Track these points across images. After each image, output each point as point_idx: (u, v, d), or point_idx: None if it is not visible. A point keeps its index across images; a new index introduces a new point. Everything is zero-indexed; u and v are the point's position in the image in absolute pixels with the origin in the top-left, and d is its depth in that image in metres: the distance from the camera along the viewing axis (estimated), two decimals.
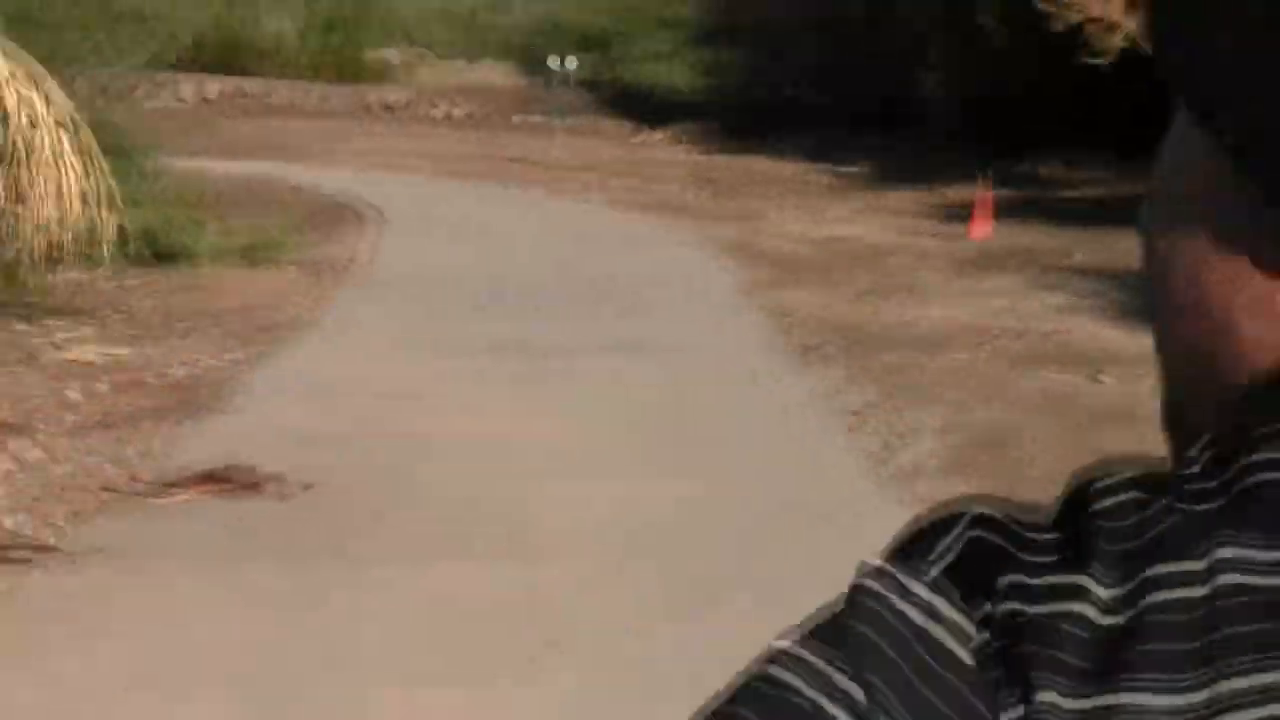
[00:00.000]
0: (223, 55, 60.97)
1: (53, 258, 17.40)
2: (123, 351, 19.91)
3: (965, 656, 1.18)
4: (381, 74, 67.89)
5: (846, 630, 1.18)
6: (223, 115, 53.20)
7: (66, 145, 13.96)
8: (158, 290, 24.31)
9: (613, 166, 46.62)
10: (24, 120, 13.87)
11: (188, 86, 56.84)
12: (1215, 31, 1.14)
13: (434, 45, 76.38)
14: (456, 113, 59.03)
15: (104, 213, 14.33)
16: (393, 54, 72.04)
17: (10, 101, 13.85)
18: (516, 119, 57.74)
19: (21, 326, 19.78)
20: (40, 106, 13.84)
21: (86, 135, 14.14)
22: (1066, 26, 38.42)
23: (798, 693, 1.18)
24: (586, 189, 42.28)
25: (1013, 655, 1.15)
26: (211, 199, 30.05)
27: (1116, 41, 38.67)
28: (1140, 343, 23.56)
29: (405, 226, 34.29)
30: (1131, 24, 38.80)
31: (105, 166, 14.39)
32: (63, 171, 13.93)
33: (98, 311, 21.79)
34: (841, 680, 1.17)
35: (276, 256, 28.25)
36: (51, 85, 14.20)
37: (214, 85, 58.57)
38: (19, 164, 13.99)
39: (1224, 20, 1.13)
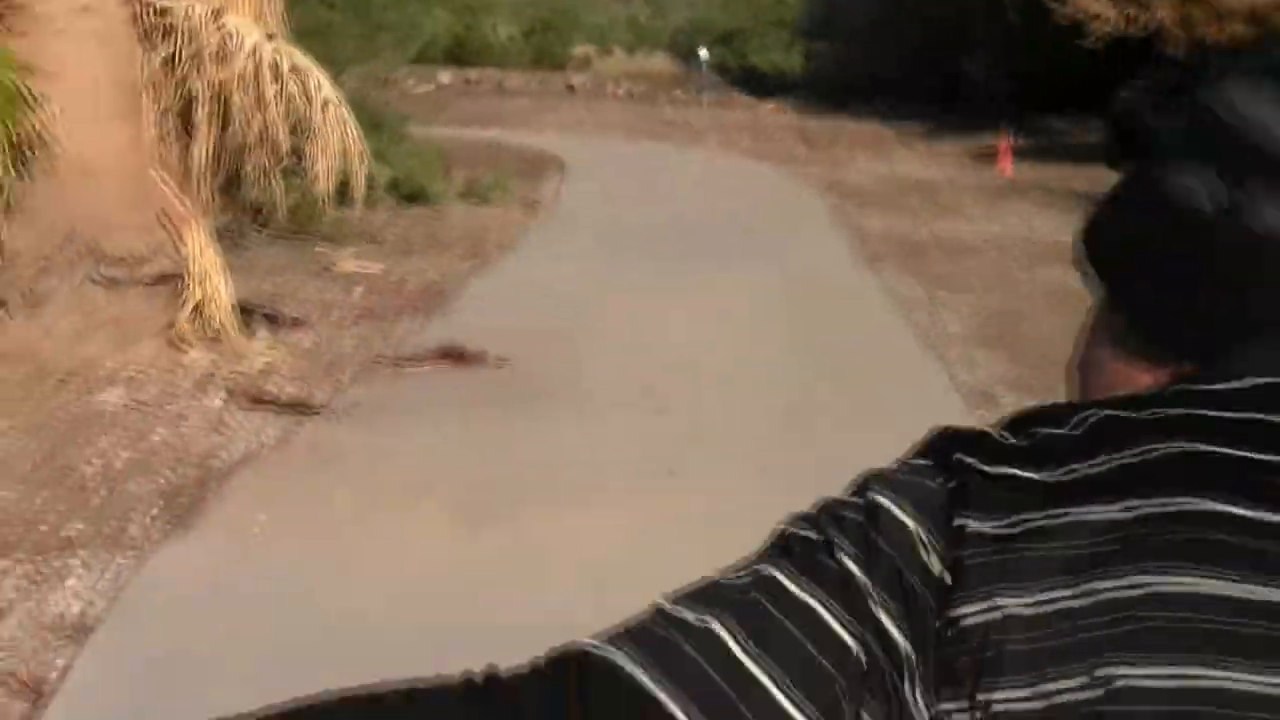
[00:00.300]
0: (461, 53, 61.05)
1: (325, 200, 17.72)
2: (374, 266, 20.26)
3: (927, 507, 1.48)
4: (576, 64, 67.95)
5: (845, 520, 1.45)
6: (462, 97, 53.03)
7: (331, 116, 14.20)
8: (401, 223, 24.54)
9: (739, 128, 46.36)
10: (301, 100, 14.17)
11: (440, 75, 57.00)
12: (1127, 260, 1.60)
13: (614, 42, 76.67)
14: (624, 92, 58.72)
15: (358, 167, 14.43)
16: (585, 49, 72.31)
17: (293, 88, 14.12)
18: (671, 95, 57.37)
19: (305, 249, 20.15)
20: (313, 90, 14.08)
21: (343, 110, 14.33)
22: (1069, 19, 38.27)
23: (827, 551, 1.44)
24: (720, 144, 42.22)
25: (957, 500, 1.44)
26: (446, 155, 30.13)
27: (1105, 30, 38.43)
28: None
29: (586, 172, 34.33)
30: (1113, 17, 38.81)
31: (359, 134, 14.51)
32: (328, 137, 14.19)
33: (359, 238, 22.12)
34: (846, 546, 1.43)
35: (491, 196, 28.47)
36: (320, 76, 14.45)
37: (454, 75, 58.52)
38: (298, 127, 14.22)
39: (1134, 259, 1.59)
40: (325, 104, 14.12)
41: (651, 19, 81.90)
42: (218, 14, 14.08)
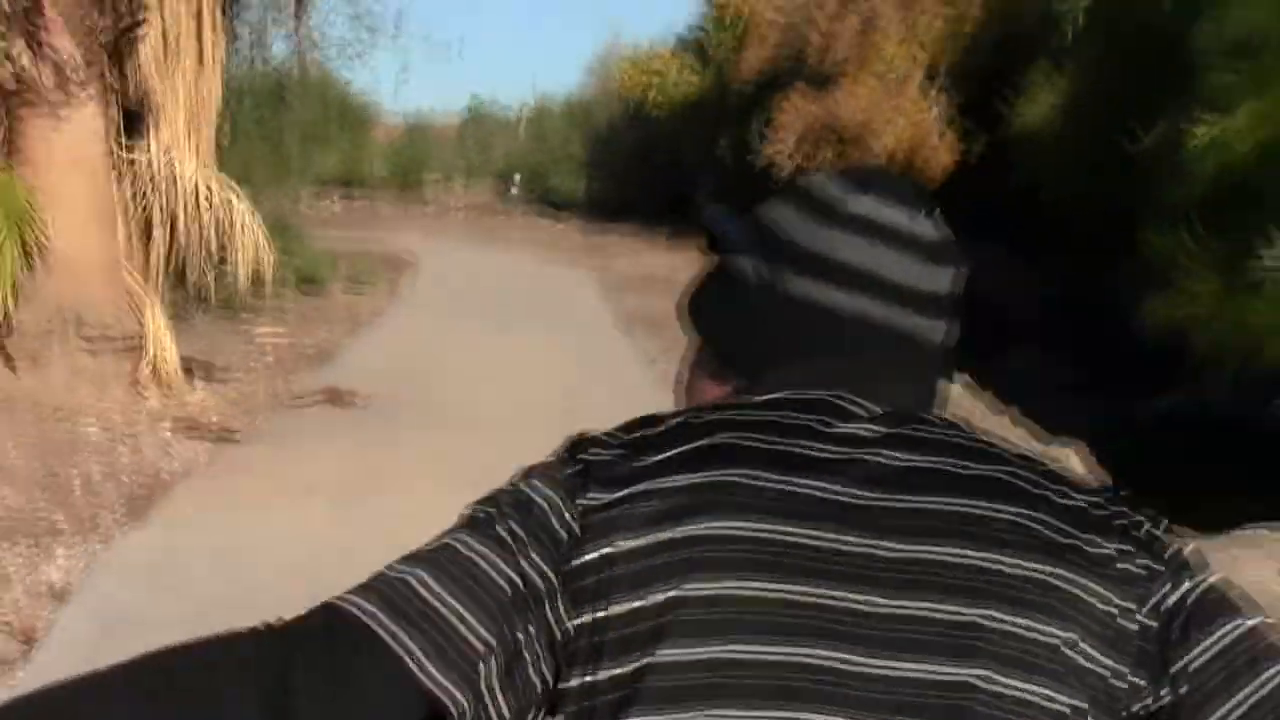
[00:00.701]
0: (343, 182, 60.63)
1: (243, 288, 17.65)
2: (281, 335, 20.12)
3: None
4: (428, 191, 67.94)
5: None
6: (345, 214, 52.86)
7: (246, 227, 14.07)
8: (301, 303, 24.40)
9: (537, 236, 46.61)
10: (225, 216, 14.06)
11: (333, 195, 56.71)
12: (710, 314, 1.81)
13: (454, 175, 76.69)
14: (462, 211, 58.82)
15: (267, 264, 14.36)
16: (435, 179, 72.34)
17: (220, 208, 13.98)
18: (491, 213, 57.46)
19: (233, 322, 20.00)
20: (234, 210, 13.96)
21: (255, 222, 14.24)
22: (764, 162, 38.61)
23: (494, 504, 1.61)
24: (525, 247, 42.26)
25: (585, 477, 1.57)
26: (333, 254, 30.01)
27: (786, 169, 38.74)
28: None
29: (435, 265, 34.38)
30: (789, 162, 39.29)
31: (268, 240, 14.45)
32: (243, 243, 14.07)
33: (271, 314, 21.95)
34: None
35: (366, 282, 28.40)
36: (238, 199, 14.37)
37: (337, 198, 58.22)
38: (224, 235, 14.10)
39: (715, 313, 1.80)
40: (242, 219, 14.00)
41: (471, 158, 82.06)
42: (167, 153, 13.95)
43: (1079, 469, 15.20)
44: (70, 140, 13.17)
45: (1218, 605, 1.54)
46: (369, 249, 36.87)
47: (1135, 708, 1.46)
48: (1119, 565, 1.50)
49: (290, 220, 27.33)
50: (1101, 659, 1.45)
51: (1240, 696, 1.46)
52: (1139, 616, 1.48)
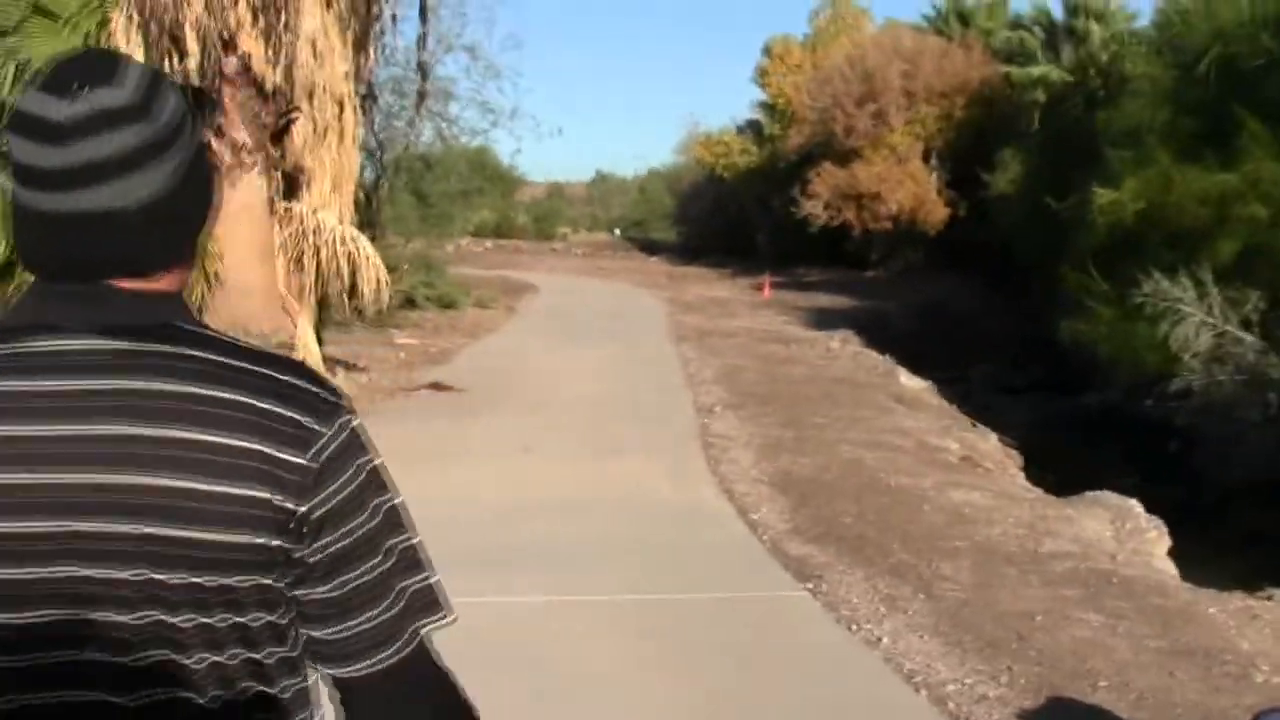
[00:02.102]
0: (496, 230, 61.09)
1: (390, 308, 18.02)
2: (416, 341, 20.46)
3: None
4: (559, 237, 68.25)
5: None
6: (494, 253, 53.02)
7: (371, 264, 14.32)
8: (437, 319, 24.70)
9: (634, 270, 46.50)
10: (356, 253, 14.35)
11: (485, 243, 56.99)
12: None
13: (580, 225, 77.18)
14: (581, 252, 58.77)
15: (385, 289, 14.62)
16: (564, 229, 72.80)
17: (353, 250, 14.29)
18: (603, 254, 57.53)
19: (380, 331, 20.31)
20: (361, 252, 14.27)
21: (377, 261, 14.52)
22: (804, 215, 38.64)
23: None
24: (623, 278, 42.22)
25: None
26: (469, 281, 30.30)
27: (819, 222, 38.69)
28: (810, 334, 24.31)
29: (547, 292, 34.54)
30: (823, 216, 39.35)
31: (386, 274, 14.71)
32: (369, 275, 14.34)
33: (410, 326, 22.31)
34: None
35: (492, 304, 28.69)
36: (366, 244, 14.66)
37: (493, 242, 58.47)
38: (355, 270, 14.38)
39: None
40: (367, 258, 14.33)
41: (595, 213, 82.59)
42: (315, 211, 14.34)
43: (996, 449, 15.37)
44: (242, 199, 13.61)
45: (352, 447, 1.48)
46: (505, 277, 37.27)
47: (294, 526, 1.40)
48: (285, 425, 1.40)
49: (433, 258, 27.74)
50: (256, 493, 1.37)
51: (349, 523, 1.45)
52: (301, 461, 1.40)
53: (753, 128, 50.42)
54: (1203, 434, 15.30)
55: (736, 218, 49.97)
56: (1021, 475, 13.88)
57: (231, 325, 13.15)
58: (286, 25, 13.35)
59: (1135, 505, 10.08)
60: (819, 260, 41.90)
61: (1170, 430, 15.76)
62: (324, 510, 1.43)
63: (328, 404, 1.46)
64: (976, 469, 12.15)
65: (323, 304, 15.34)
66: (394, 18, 15.04)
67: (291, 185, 14.58)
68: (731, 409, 14.14)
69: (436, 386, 15.37)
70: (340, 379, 14.92)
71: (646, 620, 6.61)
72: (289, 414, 1.41)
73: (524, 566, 7.48)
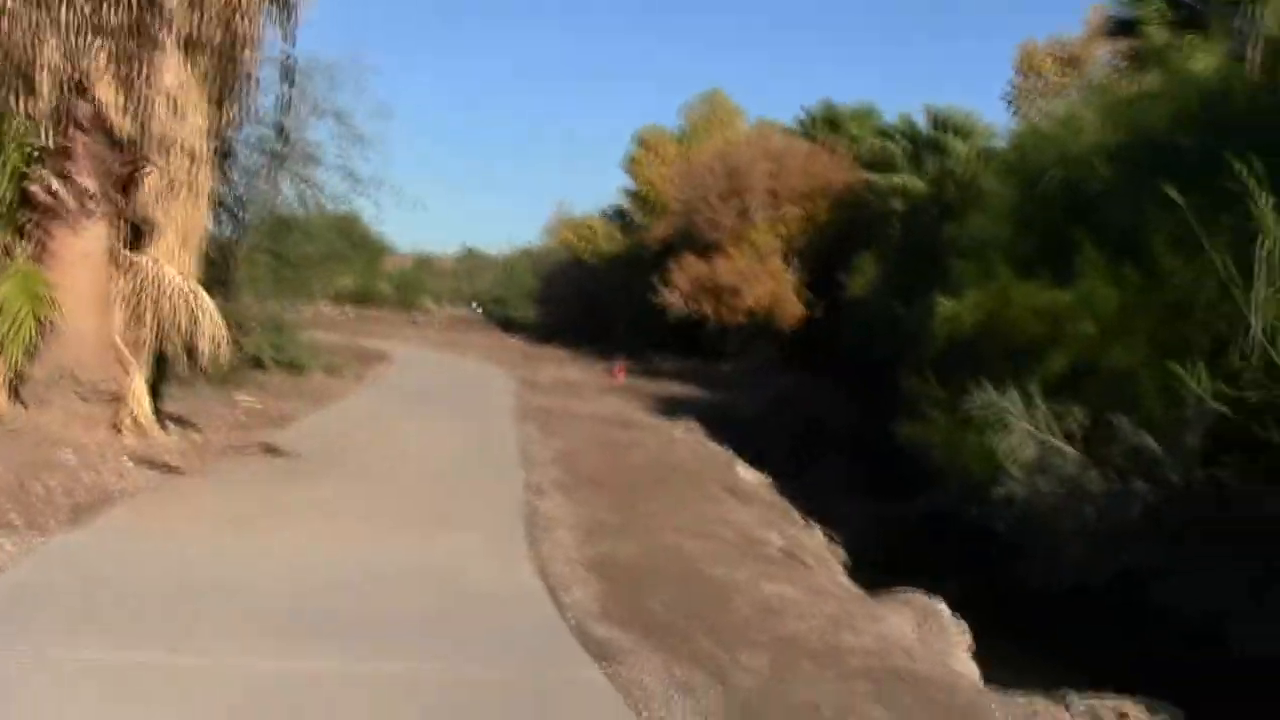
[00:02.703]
0: (358, 296, 60.73)
1: (237, 368, 17.86)
2: (257, 402, 20.23)
3: None
4: (419, 308, 68.00)
5: None
6: (351, 320, 52.66)
7: (209, 321, 14.18)
8: (283, 382, 24.42)
9: (490, 346, 46.69)
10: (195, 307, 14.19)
11: (346, 308, 56.61)
12: None
13: (442, 297, 77.14)
14: (440, 324, 58.63)
15: (224, 347, 14.47)
16: (425, 300, 72.66)
17: (193, 305, 14.16)
18: (462, 328, 57.45)
19: (222, 390, 20.06)
20: (200, 307, 14.13)
21: (217, 317, 14.38)
22: (662, 306, 39.01)
23: None
24: (477, 353, 42.34)
25: None
26: (320, 347, 30.03)
27: (678, 313, 39.04)
28: (655, 422, 24.47)
29: (400, 362, 34.43)
30: (682, 306, 39.81)
31: (224, 331, 14.53)
32: (208, 329, 14.20)
33: (254, 387, 22.05)
34: None
35: (341, 371, 28.48)
36: (206, 299, 14.54)
37: (351, 309, 58.13)
38: (193, 324, 14.23)
39: None
40: (207, 313, 14.23)
41: (461, 286, 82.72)
42: (158, 263, 14.22)
43: (820, 545, 15.61)
44: (84, 246, 13.52)
45: None
46: (360, 345, 36.99)
47: None
48: None
49: (285, 320, 27.50)
50: None
51: None
52: None
53: (619, 215, 51.03)
54: (1023, 542, 15.66)
55: (597, 302, 50.41)
56: (842, 572, 14.10)
57: (61, 372, 13.01)
58: (147, 79, 13.32)
59: (941, 605, 10.33)
60: (676, 349, 42.37)
61: (993, 537, 16.10)
62: None
63: None
64: (796, 564, 12.31)
65: (164, 359, 15.14)
66: (256, 79, 14.94)
67: (137, 236, 14.45)
68: (564, 490, 14.18)
69: (268, 449, 15.19)
70: (173, 436, 14.74)
71: (431, 694, 6.61)
72: None
73: (317, 635, 7.43)
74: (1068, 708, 9.91)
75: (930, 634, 9.65)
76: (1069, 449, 15.52)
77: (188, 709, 6.03)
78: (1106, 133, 18.19)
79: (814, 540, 15.37)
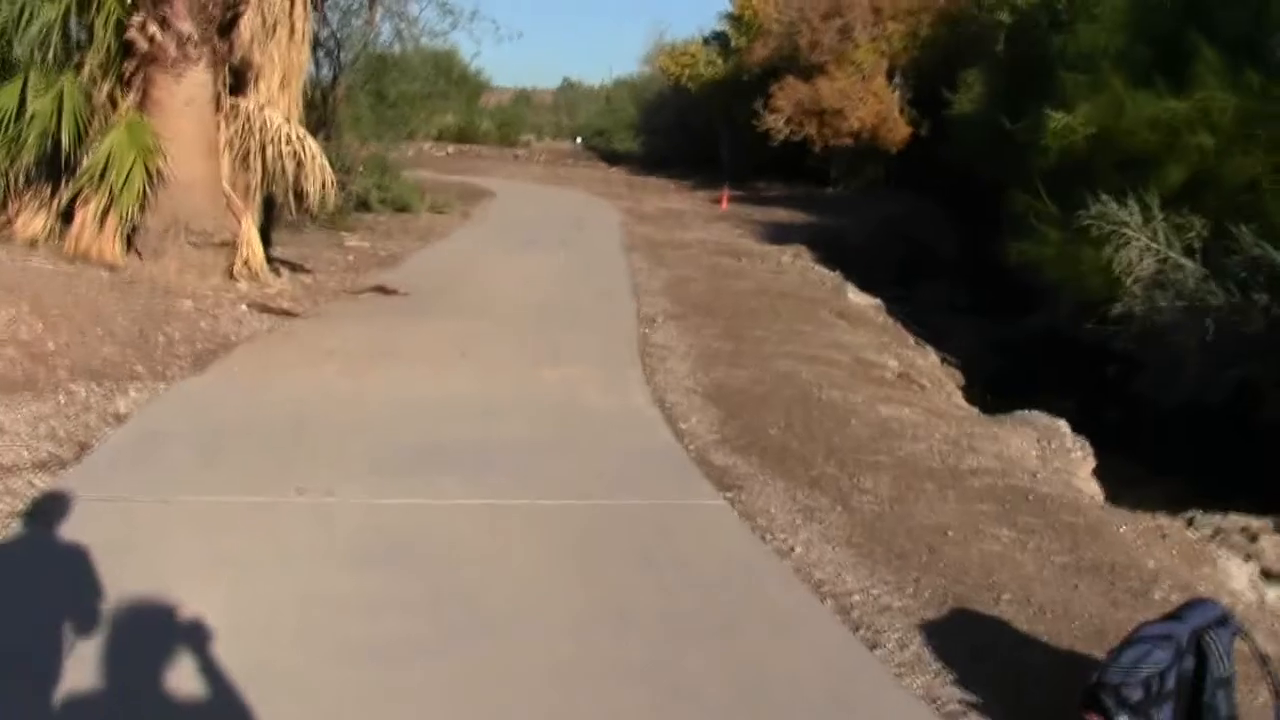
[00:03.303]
0: (462, 135, 60.67)
1: (344, 210, 17.92)
2: (366, 244, 20.33)
3: None
4: (521, 144, 67.73)
5: None
6: (454, 159, 52.65)
7: (317, 164, 14.17)
8: (390, 222, 24.53)
9: (594, 179, 46.40)
10: (303, 154, 14.18)
11: (448, 147, 56.56)
12: None
13: (543, 133, 76.75)
14: (542, 159, 58.32)
15: (328, 190, 14.47)
16: (527, 136, 72.31)
17: (299, 149, 14.15)
18: (565, 161, 57.13)
19: (331, 233, 20.18)
20: (307, 151, 14.11)
21: (323, 160, 14.35)
22: (764, 129, 38.43)
23: None
24: (582, 186, 42.18)
25: None
26: (426, 186, 30.08)
27: (780, 136, 38.51)
28: (763, 249, 24.26)
29: (504, 198, 34.43)
30: (784, 130, 39.15)
31: (331, 174, 14.52)
32: (315, 174, 14.21)
33: (362, 228, 22.15)
34: None
35: (446, 209, 28.52)
36: (312, 143, 14.50)
37: (455, 147, 58.05)
38: (300, 168, 14.22)
39: None
40: (312, 157, 14.20)
41: (561, 120, 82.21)
42: (262, 108, 14.19)
43: (934, 366, 15.47)
44: (187, 93, 13.47)
45: None
46: (464, 182, 37.02)
47: None
48: None
49: (389, 160, 27.49)
50: None
51: None
52: None
53: (719, 39, 50.02)
54: (1142, 359, 15.40)
55: (699, 130, 49.79)
56: (959, 394, 13.99)
57: (173, 221, 13.09)
58: None
59: (1062, 425, 10.17)
60: (780, 175, 41.87)
61: (1110, 355, 15.86)
62: None
63: None
64: (911, 386, 12.20)
65: (271, 204, 15.19)
66: None
67: (239, 81, 14.41)
68: (674, 319, 14.14)
69: (381, 289, 15.28)
70: (285, 280, 14.85)
71: (563, 524, 6.64)
72: None
73: (446, 468, 7.50)
74: (1192, 525, 9.81)
75: (1052, 454, 9.51)
76: (1188, 262, 15.15)
77: (323, 543, 6.11)
78: None
79: (928, 362, 15.22)
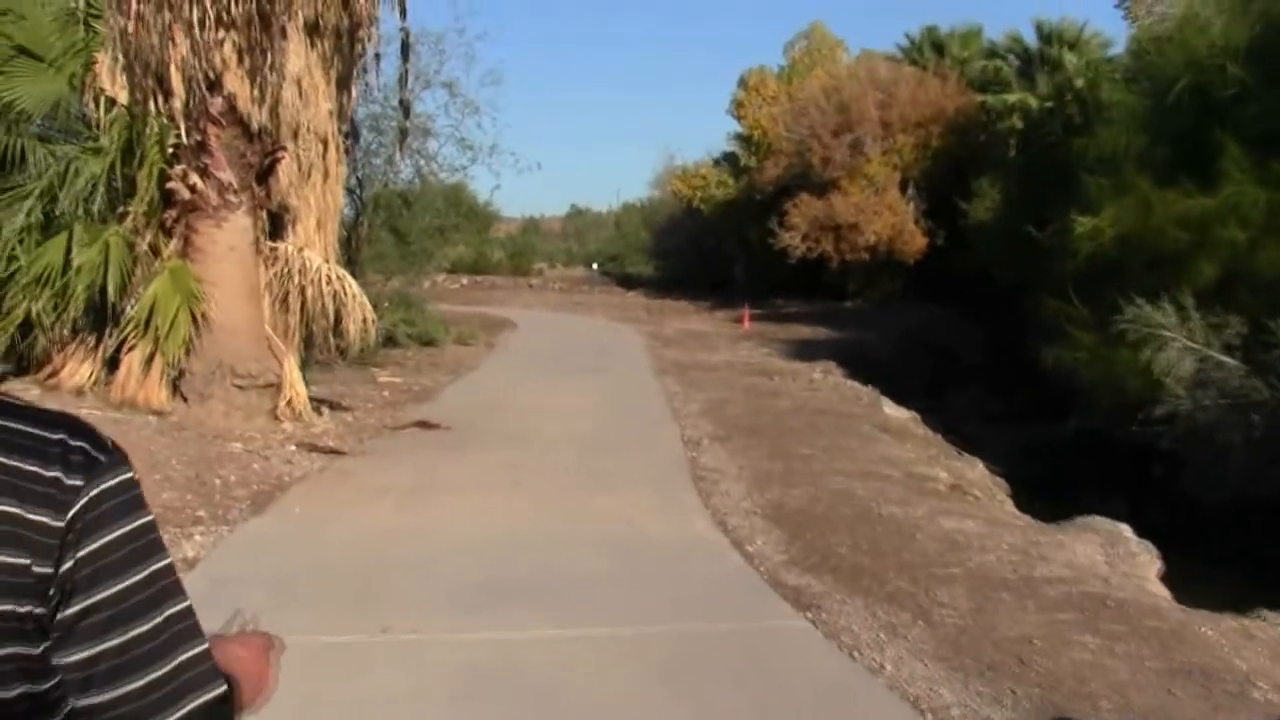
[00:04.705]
0: (471, 266, 60.99)
1: (372, 347, 18.10)
2: (398, 379, 20.44)
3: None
4: (534, 273, 68.09)
5: None
6: (470, 289, 52.99)
7: (356, 303, 14.34)
8: (418, 356, 24.65)
9: (612, 304, 46.67)
10: (342, 294, 14.36)
11: (461, 279, 56.87)
12: None
13: (555, 260, 77.31)
14: (557, 287, 58.64)
15: (369, 329, 14.65)
16: (540, 265, 72.88)
17: (338, 288, 14.32)
18: (580, 289, 57.45)
19: (361, 370, 20.29)
20: (347, 290, 14.28)
21: (363, 299, 14.56)
22: (782, 247, 38.71)
23: None
24: (601, 312, 42.42)
25: None
26: (448, 318, 30.28)
27: (798, 254, 38.74)
28: (792, 366, 24.40)
29: (525, 327, 34.63)
30: (801, 247, 39.53)
31: (371, 312, 14.71)
32: (355, 313, 14.37)
33: (391, 364, 22.29)
34: None
35: (471, 340, 28.72)
36: (351, 283, 14.70)
37: (468, 279, 58.36)
38: (340, 308, 14.39)
39: None
40: (353, 296, 14.40)
41: (571, 246, 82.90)
42: (301, 250, 14.42)
43: (983, 476, 15.48)
44: (228, 239, 13.71)
45: (117, 506, 1.39)
46: (483, 313, 37.28)
47: (53, 591, 1.32)
48: (43, 486, 1.33)
49: (413, 295, 27.78)
50: (14, 559, 1.30)
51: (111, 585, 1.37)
52: (54, 523, 1.32)
53: (729, 160, 50.70)
54: (1186, 457, 15.41)
55: (713, 250, 50.27)
56: (1010, 502, 14.00)
57: (218, 365, 13.25)
58: (271, 65, 13.44)
59: (1125, 529, 10.21)
60: (797, 292, 42.17)
61: (1154, 454, 15.86)
62: (79, 573, 1.34)
63: (92, 460, 1.37)
64: (965, 497, 12.25)
65: (307, 343, 15.36)
66: (377, 56, 15.15)
67: (276, 224, 14.67)
68: (719, 442, 14.21)
69: (423, 424, 15.37)
70: (326, 419, 14.97)
71: (651, 652, 6.67)
72: (47, 473, 1.33)
73: (521, 600, 7.54)
74: (1266, 622, 9.78)
75: (1119, 559, 9.54)
76: (1229, 360, 15.23)
77: (415, 680, 6.14)
78: (1232, 29, 17.67)
79: (976, 472, 15.26)
